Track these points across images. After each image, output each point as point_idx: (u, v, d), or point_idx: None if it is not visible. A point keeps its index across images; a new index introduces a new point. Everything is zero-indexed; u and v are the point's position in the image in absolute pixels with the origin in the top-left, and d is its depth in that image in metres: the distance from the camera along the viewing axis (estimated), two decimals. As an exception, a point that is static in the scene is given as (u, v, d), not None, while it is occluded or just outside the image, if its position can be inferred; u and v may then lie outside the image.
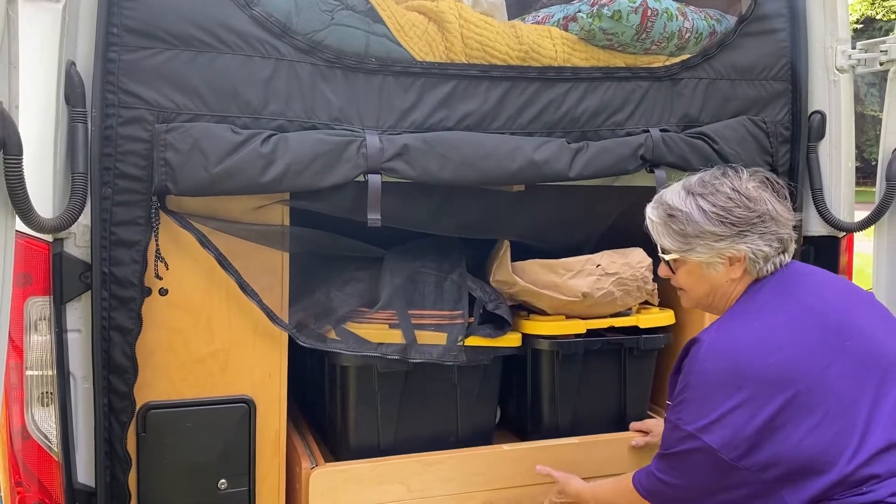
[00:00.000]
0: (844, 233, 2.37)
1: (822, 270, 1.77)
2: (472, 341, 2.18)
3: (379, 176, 1.88)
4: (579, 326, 2.29)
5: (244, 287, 1.89)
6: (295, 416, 2.46)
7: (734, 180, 1.67)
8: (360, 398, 2.14)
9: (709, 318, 2.61)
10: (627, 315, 2.40)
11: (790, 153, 2.34)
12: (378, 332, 2.09)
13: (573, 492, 2.01)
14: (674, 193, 1.71)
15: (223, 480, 1.92)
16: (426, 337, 2.13)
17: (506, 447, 2.22)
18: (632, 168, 2.12)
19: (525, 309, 2.37)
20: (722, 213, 1.63)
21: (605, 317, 2.33)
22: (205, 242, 1.85)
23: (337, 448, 2.22)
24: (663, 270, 1.80)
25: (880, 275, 2.37)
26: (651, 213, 1.74)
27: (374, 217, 1.88)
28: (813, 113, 2.35)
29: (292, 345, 2.02)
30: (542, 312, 2.32)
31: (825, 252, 2.40)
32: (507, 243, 2.25)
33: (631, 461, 2.32)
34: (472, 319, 2.19)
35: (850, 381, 1.51)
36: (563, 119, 2.09)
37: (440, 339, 2.13)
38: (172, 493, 1.90)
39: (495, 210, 2.16)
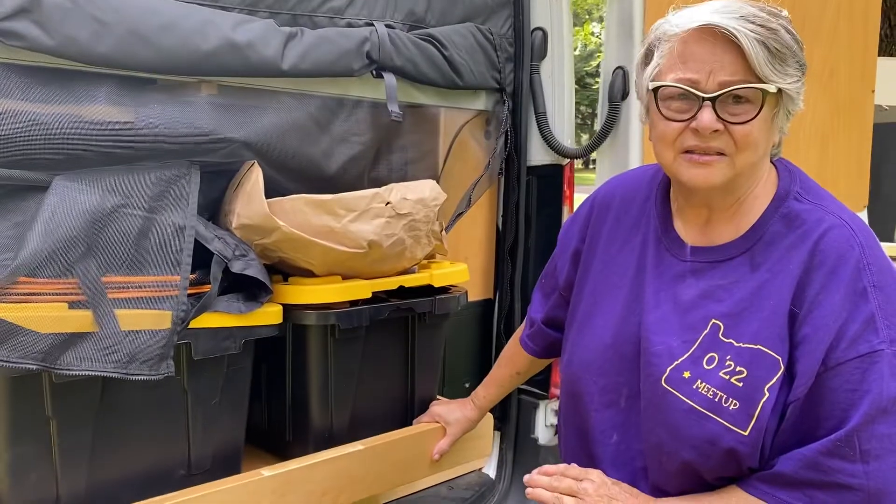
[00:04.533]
0: (568, 160, 2.19)
1: None
2: (212, 320, 1.42)
3: None
4: (364, 289, 1.64)
5: None
6: None
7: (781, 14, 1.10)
8: (20, 430, 1.26)
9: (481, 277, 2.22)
10: (412, 272, 1.82)
11: (514, 72, 2.10)
12: (51, 313, 1.23)
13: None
14: (763, 10, 1.07)
15: None
16: (135, 319, 1.31)
17: (266, 472, 1.50)
18: (357, 67, 1.68)
19: (277, 272, 1.66)
20: (799, 41, 1.09)
21: (388, 275, 1.73)
22: None
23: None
24: (707, 118, 1.06)
25: None
26: (736, 24, 1.04)
27: None
28: (535, 29, 2.12)
29: None
30: (303, 273, 1.64)
31: (549, 182, 2.21)
32: (257, 171, 1.51)
33: (427, 464, 1.77)
34: (208, 287, 1.42)
35: None
36: None
37: (160, 320, 1.34)
38: None
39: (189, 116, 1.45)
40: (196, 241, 1.42)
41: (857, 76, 2.62)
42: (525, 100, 2.11)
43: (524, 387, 2.23)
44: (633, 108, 2.02)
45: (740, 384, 1.08)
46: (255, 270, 1.47)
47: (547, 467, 1.21)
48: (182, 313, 1.36)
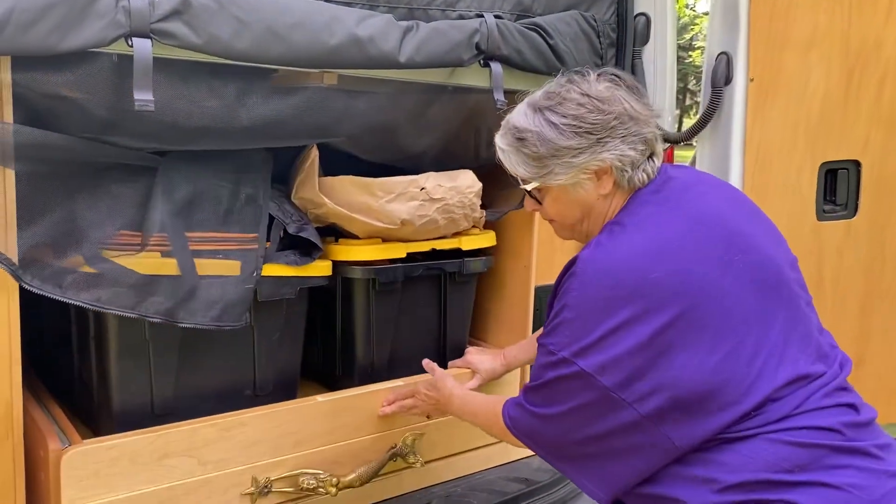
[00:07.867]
0: (668, 144, 2.26)
1: (706, 175, 1.59)
2: (272, 270, 1.76)
3: (149, 41, 1.38)
4: (399, 250, 1.95)
5: None
6: (32, 384, 1.87)
7: (581, 84, 1.42)
8: (126, 349, 1.64)
9: (528, 238, 2.37)
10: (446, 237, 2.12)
11: (615, 58, 2.16)
12: (148, 261, 1.59)
13: (445, 391, 1.80)
14: (519, 114, 1.45)
15: None
16: (212, 267, 1.66)
17: (320, 399, 1.84)
18: (467, 58, 1.79)
19: (333, 233, 1.99)
20: (574, 123, 1.38)
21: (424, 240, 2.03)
22: None
23: (95, 419, 1.70)
24: (529, 204, 1.55)
25: None
26: (500, 141, 1.47)
27: (143, 98, 1.38)
28: (638, 15, 2.17)
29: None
30: (353, 236, 1.96)
31: None
32: (314, 152, 1.83)
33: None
34: (269, 244, 1.76)
35: (745, 300, 1.31)
36: None
37: (231, 268, 1.68)
38: None
39: (303, 107, 1.69)
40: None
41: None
42: None
43: None
44: (737, 94, 2.09)
45: None
46: (308, 233, 1.80)
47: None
48: (252, 265, 1.69)
